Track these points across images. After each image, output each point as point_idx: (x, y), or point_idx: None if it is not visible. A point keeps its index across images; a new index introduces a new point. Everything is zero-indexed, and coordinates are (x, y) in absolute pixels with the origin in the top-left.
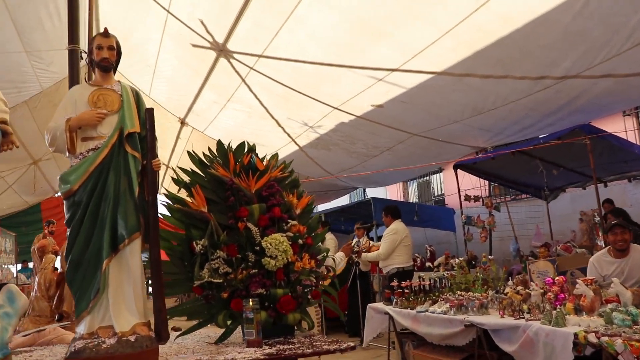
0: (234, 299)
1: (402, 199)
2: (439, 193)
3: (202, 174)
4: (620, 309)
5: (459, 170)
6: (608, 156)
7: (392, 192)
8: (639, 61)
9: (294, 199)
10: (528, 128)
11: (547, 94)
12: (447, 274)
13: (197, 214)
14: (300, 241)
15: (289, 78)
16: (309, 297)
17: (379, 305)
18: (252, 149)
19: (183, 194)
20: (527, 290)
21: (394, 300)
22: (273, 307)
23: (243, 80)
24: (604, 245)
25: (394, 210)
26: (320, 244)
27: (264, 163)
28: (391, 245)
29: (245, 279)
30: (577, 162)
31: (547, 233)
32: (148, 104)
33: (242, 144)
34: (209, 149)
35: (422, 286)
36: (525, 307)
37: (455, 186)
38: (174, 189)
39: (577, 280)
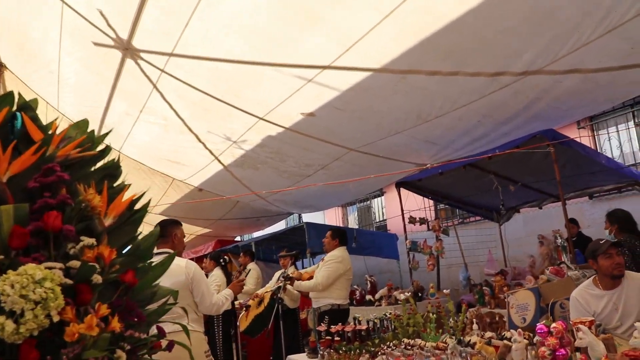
0: None
1: (342, 225)
2: (381, 219)
3: None
4: None
5: (402, 190)
6: (571, 168)
7: (330, 218)
8: (609, 53)
9: (95, 196)
10: (480, 139)
11: (503, 95)
12: (390, 313)
13: None
14: (98, 279)
15: (205, 82)
16: None
17: (301, 358)
18: (26, 104)
19: None
20: (504, 340)
21: (320, 352)
22: None
23: (154, 85)
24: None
25: (342, 234)
26: (156, 284)
27: (51, 128)
28: (333, 274)
29: None
30: (535, 177)
31: (499, 259)
32: (54, 117)
33: None
34: None
35: (357, 332)
36: None
37: (398, 210)
38: None
39: (580, 326)
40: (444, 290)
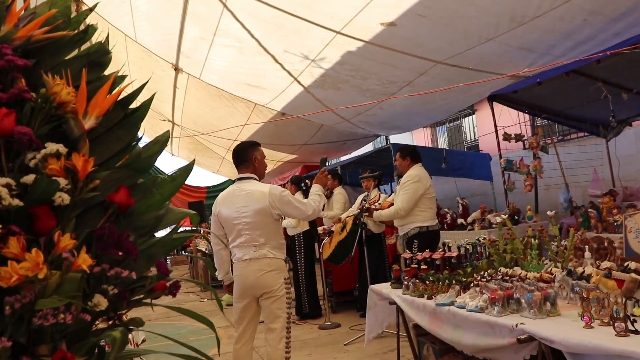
0: None
1: (431, 146)
2: (473, 139)
3: None
4: None
5: (495, 104)
6: None
7: (418, 139)
8: None
9: (64, 87)
10: (585, 43)
11: None
12: (484, 238)
13: None
14: (63, 199)
15: None
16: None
17: (384, 289)
18: None
19: None
20: (632, 274)
21: (405, 282)
22: None
23: (224, 4)
24: None
25: (412, 151)
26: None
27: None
28: (413, 195)
29: None
30: None
31: (606, 179)
32: (137, 50)
33: None
34: None
35: (446, 259)
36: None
37: (491, 128)
38: None
39: None
40: (548, 212)
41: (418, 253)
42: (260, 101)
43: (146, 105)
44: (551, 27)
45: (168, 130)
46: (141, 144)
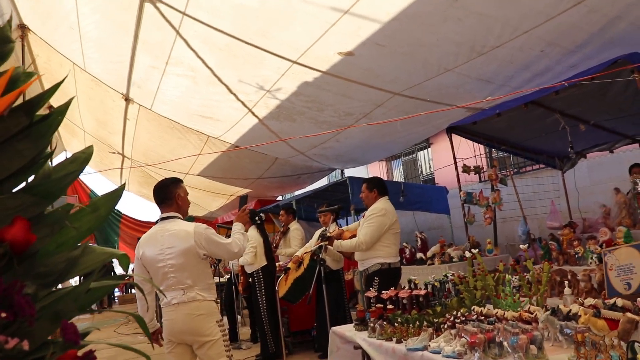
0: None
1: (386, 179)
2: (428, 172)
3: None
4: None
5: (453, 136)
6: None
7: (374, 172)
8: None
9: None
10: (542, 75)
11: (574, 16)
12: (452, 274)
13: None
14: None
15: (230, 23)
16: None
17: (347, 331)
18: None
19: None
20: (628, 314)
21: (371, 324)
22: None
23: (177, 31)
24: None
25: (379, 183)
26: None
27: None
28: (377, 230)
29: None
30: (609, 114)
31: (563, 210)
32: (86, 80)
33: None
34: None
35: (414, 297)
36: None
37: (446, 162)
38: None
39: None
40: (521, 246)
41: (383, 292)
42: (213, 133)
43: (60, 111)
44: (510, 58)
45: (91, 146)
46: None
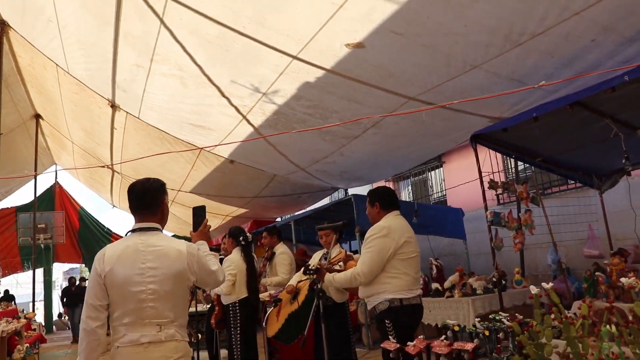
0: None
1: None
2: (440, 193)
3: None
4: None
5: (479, 147)
6: None
7: None
8: None
9: None
10: (592, 68)
11: None
12: (509, 318)
13: None
14: None
15: (221, 6)
16: None
17: None
18: None
19: None
20: None
21: None
22: None
23: (161, 20)
24: None
25: (382, 195)
26: None
27: None
28: (377, 256)
29: None
30: None
31: (602, 236)
32: (70, 84)
33: None
34: None
35: (455, 354)
36: None
37: (459, 180)
38: None
39: None
40: (546, 285)
41: (408, 343)
42: (205, 144)
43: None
44: (553, 49)
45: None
46: None
